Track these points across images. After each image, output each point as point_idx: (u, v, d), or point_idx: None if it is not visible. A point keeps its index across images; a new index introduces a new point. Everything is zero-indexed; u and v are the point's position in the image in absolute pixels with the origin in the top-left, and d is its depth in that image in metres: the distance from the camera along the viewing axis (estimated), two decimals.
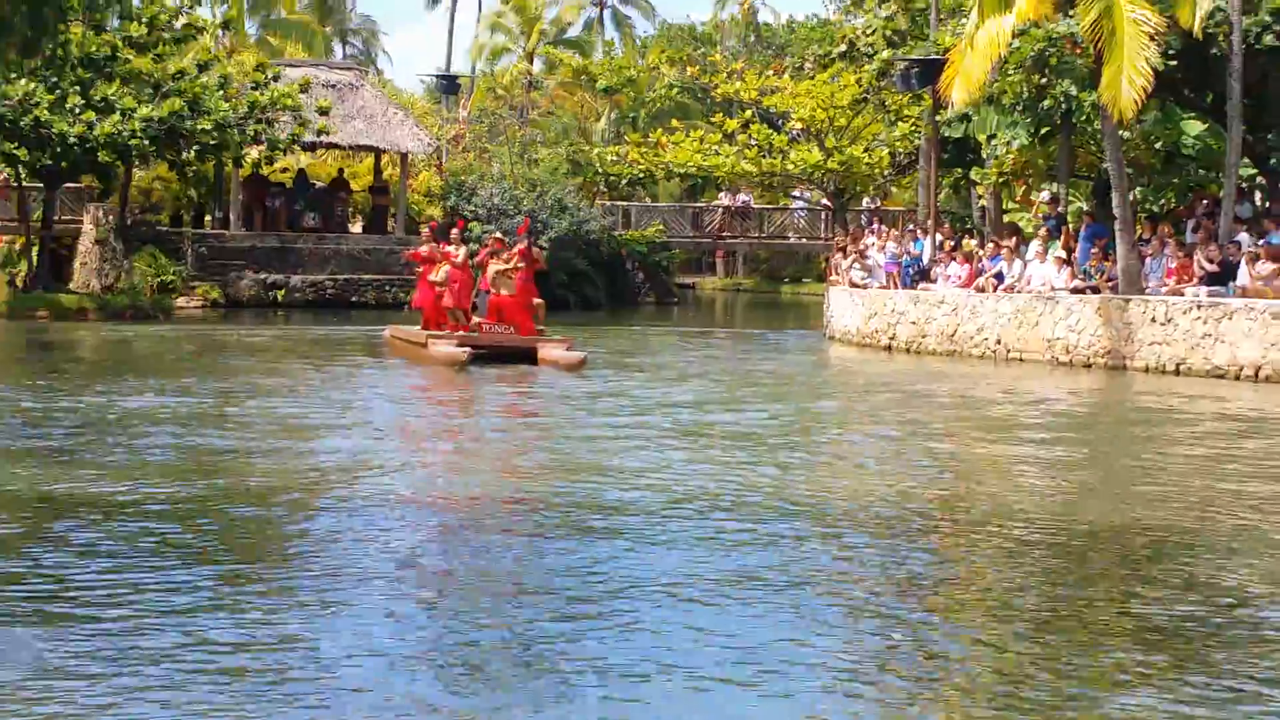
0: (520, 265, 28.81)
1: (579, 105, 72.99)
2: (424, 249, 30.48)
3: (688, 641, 9.54)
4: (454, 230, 30.69)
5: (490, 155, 61.92)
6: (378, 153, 53.79)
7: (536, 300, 29.36)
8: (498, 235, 31.09)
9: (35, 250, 44.85)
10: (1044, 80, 33.08)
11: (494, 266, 28.94)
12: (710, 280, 76.98)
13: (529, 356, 27.84)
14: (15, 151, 41.68)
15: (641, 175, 60.04)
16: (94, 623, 9.60)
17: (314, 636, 9.51)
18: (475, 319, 29.44)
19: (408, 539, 12.54)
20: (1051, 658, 9.26)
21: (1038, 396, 24.93)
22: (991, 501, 14.52)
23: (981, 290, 32.91)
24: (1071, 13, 30.40)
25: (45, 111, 40.16)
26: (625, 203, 60.98)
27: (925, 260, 36.40)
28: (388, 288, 48.89)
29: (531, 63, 79.71)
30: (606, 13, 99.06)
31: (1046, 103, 33.15)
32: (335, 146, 52.78)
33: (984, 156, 38.48)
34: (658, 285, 57.20)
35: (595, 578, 11.12)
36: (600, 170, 59.94)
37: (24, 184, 45.07)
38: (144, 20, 42.39)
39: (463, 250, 29.70)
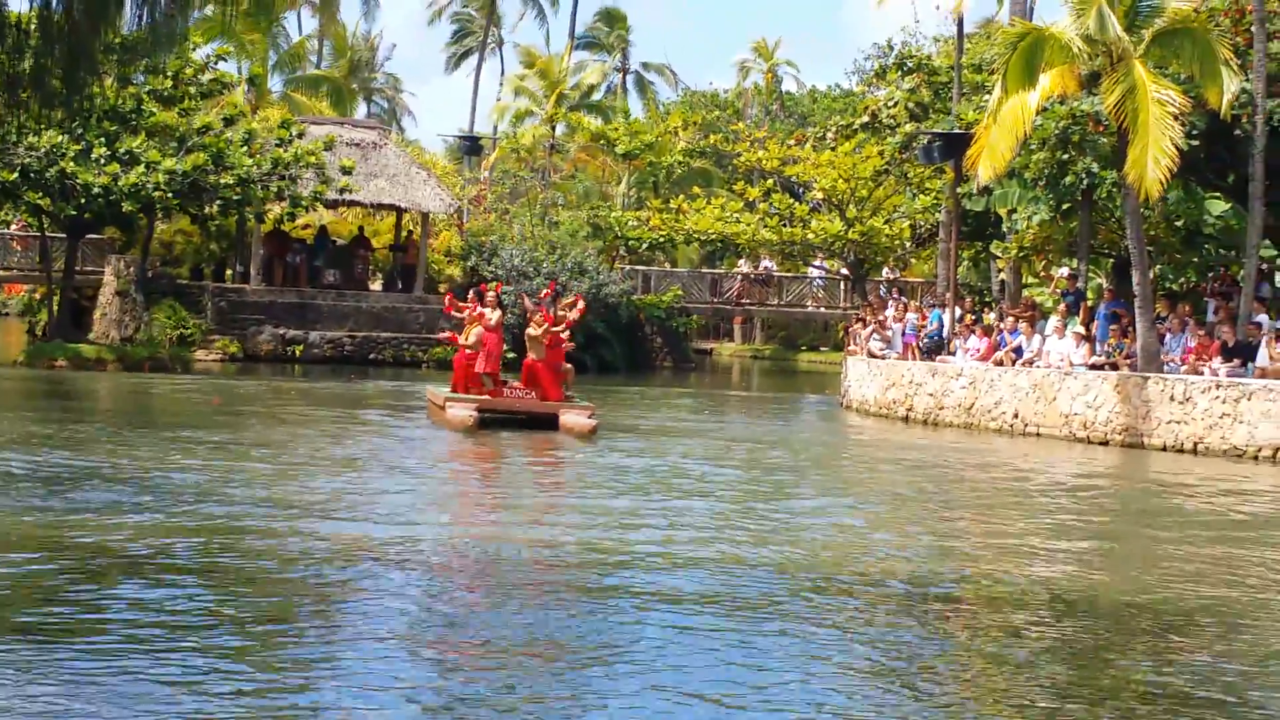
0: (552, 330, 28.67)
1: (601, 169, 73.25)
2: (461, 311, 30.05)
3: (696, 703, 9.57)
4: (490, 294, 30.08)
5: (511, 216, 62.11)
6: (399, 211, 53.99)
7: (566, 365, 29.32)
8: (537, 300, 30.31)
9: (56, 300, 44.99)
10: (1066, 157, 33.16)
11: (529, 330, 28.87)
12: (727, 346, 77.04)
13: (552, 422, 27.89)
14: (40, 201, 41.91)
15: (662, 240, 60.15)
16: (102, 676, 9.66)
17: (322, 693, 9.57)
18: (513, 381, 29.39)
19: (414, 598, 12.56)
20: None
21: (1054, 472, 24.91)
22: (1004, 576, 14.49)
23: (1000, 364, 32.92)
24: (1095, 91, 30.52)
25: (71, 163, 40.40)
26: (645, 267, 61.11)
27: (944, 333, 36.42)
28: (406, 346, 49.00)
29: (554, 126, 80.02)
30: (630, 78, 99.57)
31: (1068, 179, 33.21)
32: (357, 204, 52.95)
33: (1004, 231, 38.57)
34: (675, 350, 57.25)
35: (602, 639, 11.14)
36: (621, 234, 60.04)
37: (47, 234, 45.28)
38: (169, 74, 42.67)
39: (495, 314, 29.28)
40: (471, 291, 31.30)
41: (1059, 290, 36.67)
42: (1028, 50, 29.19)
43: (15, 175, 40.41)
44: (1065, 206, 34.61)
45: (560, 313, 29.52)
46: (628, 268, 58.80)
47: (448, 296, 32.04)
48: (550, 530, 16.22)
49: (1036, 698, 10.13)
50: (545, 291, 30.26)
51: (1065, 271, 37.50)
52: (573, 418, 27.63)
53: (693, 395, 43.02)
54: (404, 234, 55.65)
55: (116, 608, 11.57)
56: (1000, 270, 43.62)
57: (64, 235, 45.10)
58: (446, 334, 31.96)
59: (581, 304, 30.97)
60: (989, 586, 14.04)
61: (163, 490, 17.73)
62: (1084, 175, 32.97)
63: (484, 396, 28.47)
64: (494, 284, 32.15)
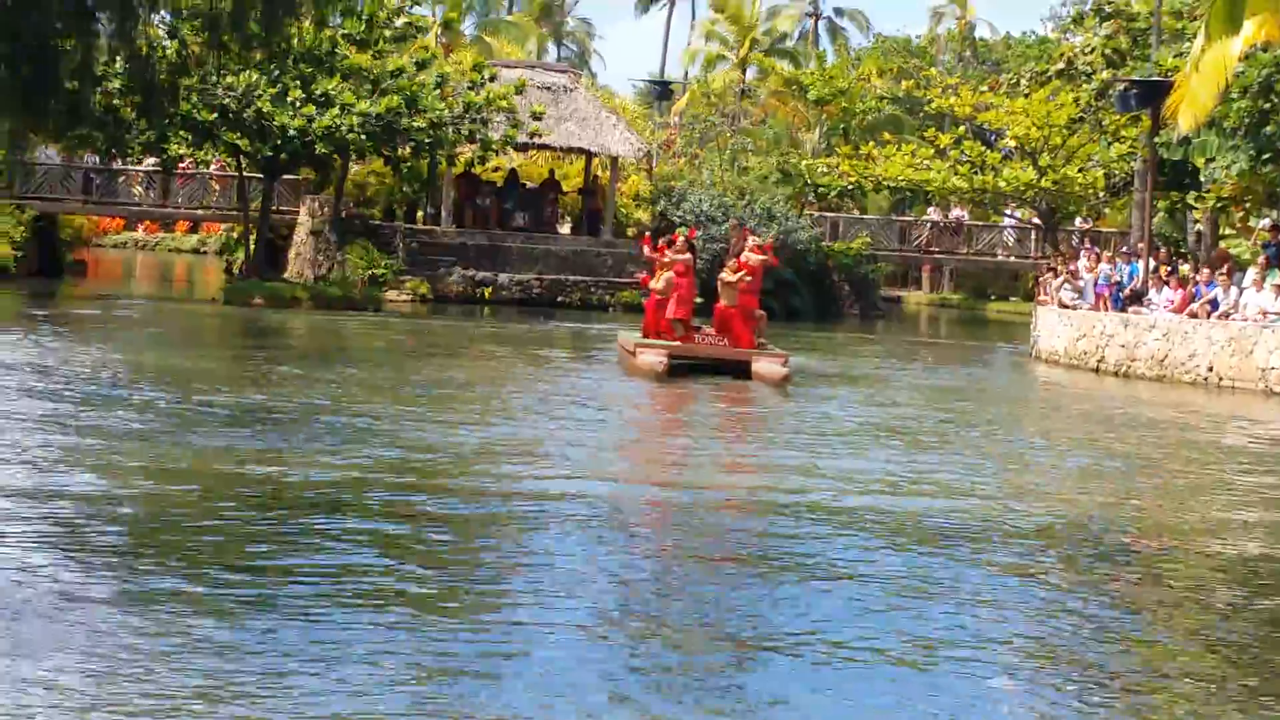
0: (747, 278, 28.33)
1: (791, 115, 72.88)
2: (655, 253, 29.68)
3: (876, 651, 9.57)
4: (680, 238, 29.57)
5: (700, 161, 62.01)
6: (589, 155, 54.13)
7: (758, 312, 28.81)
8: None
9: (252, 239, 45.75)
10: (1268, 105, 32.45)
11: (722, 275, 28.63)
12: (915, 294, 76.48)
13: (744, 370, 27.40)
14: (238, 141, 42.58)
15: (851, 187, 59.74)
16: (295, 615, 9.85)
17: (496, 641, 9.72)
18: (705, 327, 29.02)
19: (598, 551, 12.64)
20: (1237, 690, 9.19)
21: (1258, 428, 24.43)
22: (1198, 532, 14.29)
23: (1195, 316, 32.33)
24: None
25: (267, 103, 40.98)
26: (833, 214, 60.74)
27: (1138, 284, 35.82)
28: (594, 289, 49.19)
29: (744, 71, 79.75)
30: (821, 24, 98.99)
31: (1269, 128, 32.52)
32: (547, 148, 53.22)
33: (1202, 180, 37.86)
34: (863, 297, 56.84)
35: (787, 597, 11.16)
36: (810, 181, 59.72)
37: (244, 174, 46.03)
38: (364, 17, 43.05)
39: (683, 256, 28.81)
40: (664, 237, 31.08)
41: (1259, 242, 35.89)
42: None
43: (214, 115, 41.10)
44: (1265, 156, 33.90)
45: (748, 254, 29.12)
46: (816, 214, 58.50)
47: (644, 242, 31.71)
48: (746, 482, 16.23)
49: (1238, 672, 10.01)
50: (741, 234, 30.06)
51: (1266, 223, 36.68)
52: (765, 365, 27.22)
53: (882, 343, 42.79)
54: (593, 178, 55.81)
55: (308, 552, 11.79)
56: (1197, 221, 42.84)
57: (261, 175, 45.81)
58: (640, 276, 31.83)
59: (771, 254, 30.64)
60: (1200, 546, 13.82)
61: (356, 431, 18.02)
62: None
63: (675, 343, 28.13)
64: (687, 230, 31.94)
